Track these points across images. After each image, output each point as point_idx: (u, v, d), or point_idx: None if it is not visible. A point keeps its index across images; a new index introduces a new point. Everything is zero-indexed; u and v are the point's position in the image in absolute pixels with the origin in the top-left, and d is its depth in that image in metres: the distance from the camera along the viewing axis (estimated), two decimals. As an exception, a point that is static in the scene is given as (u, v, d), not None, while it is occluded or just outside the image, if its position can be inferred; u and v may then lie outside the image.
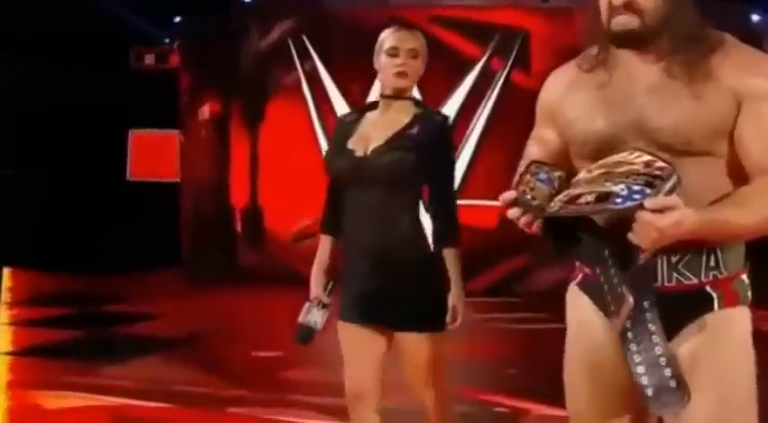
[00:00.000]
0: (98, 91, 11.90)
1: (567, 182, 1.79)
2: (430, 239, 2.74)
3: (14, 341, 6.74)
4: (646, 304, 1.81)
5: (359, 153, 2.76)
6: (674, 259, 1.84)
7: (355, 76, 9.57)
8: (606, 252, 1.83)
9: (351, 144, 2.79)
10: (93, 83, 11.84)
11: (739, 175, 1.84)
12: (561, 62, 2.15)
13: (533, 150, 2.09)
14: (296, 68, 10.02)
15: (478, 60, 9.42)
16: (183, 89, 11.43)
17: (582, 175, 1.78)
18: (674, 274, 1.86)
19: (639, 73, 1.89)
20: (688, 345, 1.86)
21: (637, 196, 1.64)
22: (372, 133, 2.79)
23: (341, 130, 2.89)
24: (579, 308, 2.01)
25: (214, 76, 10.77)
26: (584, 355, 2.00)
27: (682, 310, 1.86)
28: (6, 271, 9.98)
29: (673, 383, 1.78)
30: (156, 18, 11.81)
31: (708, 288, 1.85)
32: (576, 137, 1.96)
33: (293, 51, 10.01)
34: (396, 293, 2.72)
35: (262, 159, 10.31)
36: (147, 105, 11.89)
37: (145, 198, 12.15)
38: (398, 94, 2.81)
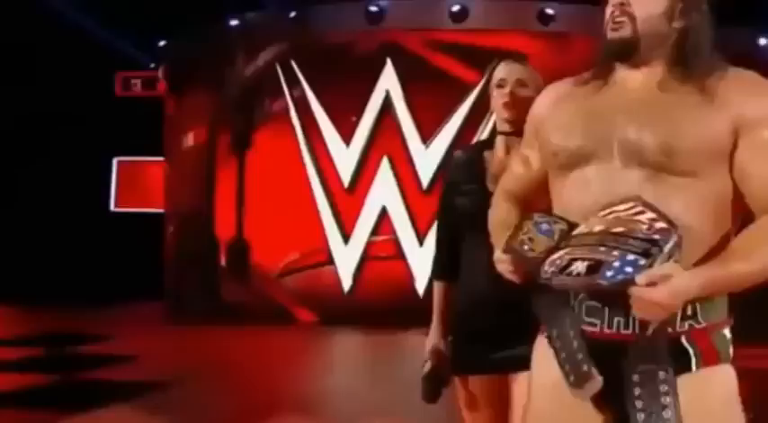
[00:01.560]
0: (84, 118, 11.61)
1: (568, 233, 1.72)
2: None
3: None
4: (662, 375, 1.69)
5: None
6: None
7: (345, 103, 9.21)
8: (568, 321, 1.78)
9: (489, 184, 2.61)
10: (79, 109, 11.55)
11: (722, 199, 1.74)
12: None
13: (515, 171, 2.07)
14: (284, 94, 9.62)
15: (476, 85, 9.11)
16: (167, 115, 11.00)
17: (581, 228, 1.70)
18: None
19: (633, 87, 1.82)
20: None
21: (628, 269, 1.57)
22: (500, 174, 2.51)
23: (464, 167, 2.77)
24: (547, 361, 1.85)
25: (199, 102, 10.39)
26: (553, 409, 1.86)
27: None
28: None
29: None
30: (142, 42, 11.46)
31: (683, 340, 1.73)
32: (549, 146, 1.89)
33: (281, 77, 9.61)
34: (518, 335, 2.47)
35: (248, 189, 9.95)
36: (133, 132, 11.58)
37: (129, 228, 11.80)
38: (512, 130, 2.65)
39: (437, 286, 2.78)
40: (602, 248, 1.61)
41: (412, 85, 9.29)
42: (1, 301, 10.34)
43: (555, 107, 1.93)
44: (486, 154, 2.74)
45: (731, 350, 1.77)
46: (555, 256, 1.68)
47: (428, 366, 2.67)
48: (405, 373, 6.91)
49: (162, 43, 11.00)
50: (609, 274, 1.57)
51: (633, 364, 1.71)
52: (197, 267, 10.20)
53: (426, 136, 9.26)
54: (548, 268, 1.67)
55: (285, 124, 9.60)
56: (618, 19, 1.80)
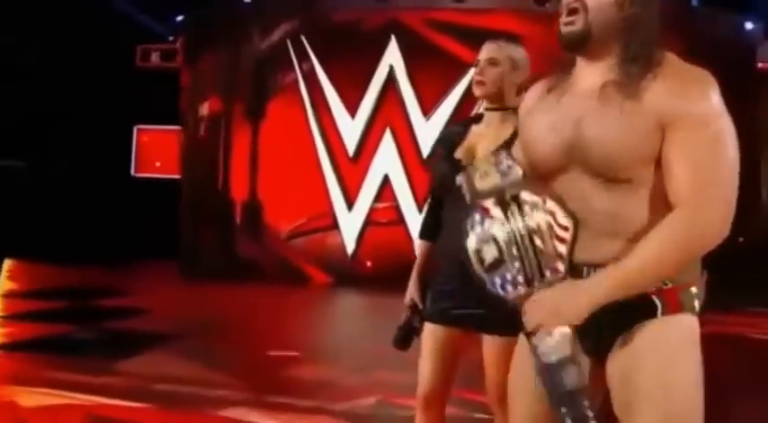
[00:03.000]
0: (104, 88, 11.80)
1: (522, 183, 1.74)
2: None
3: (2, 334, 6.46)
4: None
5: (466, 163, 2.71)
6: None
7: (351, 77, 9.41)
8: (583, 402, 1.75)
9: (458, 154, 2.79)
10: (100, 80, 11.74)
11: (664, 202, 1.73)
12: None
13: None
14: (294, 68, 9.81)
15: (470, 66, 9.14)
16: (183, 86, 11.24)
17: (527, 196, 1.74)
18: None
19: (584, 93, 1.80)
20: (630, 346, 1.81)
21: (509, 288, 1.69)
22: (478, 145, 2.79)
23: (446, 140, 2.90)
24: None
25: (214, 74, 10.55)
26: (525, 350, 1.90)
27: (628, 317, 1.80)
28: (6, 262, 9.81)
29: None
30: (162, 16, 11.66)
31: (653, 297, 1.79)
32: (530, 158, 1.90)
33: (291, 52, 9.80)
34: (484, 298, 2.60)
35: (261, 156, 10.12)
36: (151, 102, 11.79)
37: (148, 193, 12.06)
38: (492, 106, 2.82)
39: (419, 245, 2.95)
40: (515, 250, 1.70)
41: (414, 61, 9.39)
42: (31, 257, 10.59)
43: (530, 114, 1.94)
44: (474, 127, 2.86)
45: (696, 304, 1.83)
46: (488, 219, 1.73)
47: (403, 317, 2.85)
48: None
49: (180, 18, 11.24)
50: (496, 281, 1.71)
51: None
52: (213, 226, 10.43)
53: (427, 109, 9.40)
54: (475, 227, 1.74)
55: (295, 96, 9.77)
56: (572, 5, 1.79)
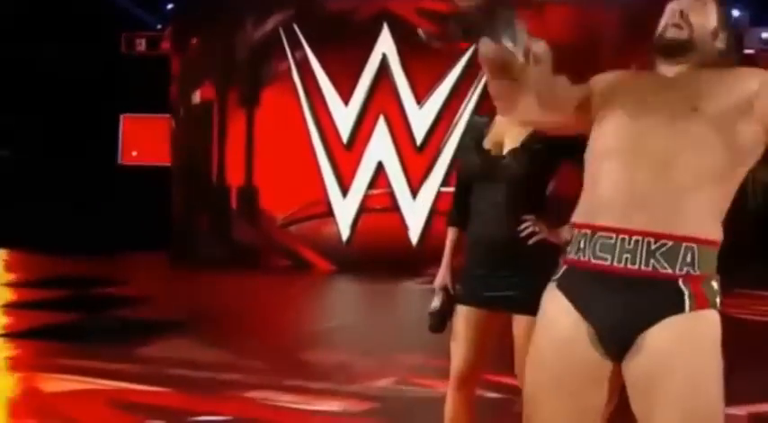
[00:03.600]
0: (89, 75, 11.75)
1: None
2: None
3: (10, 323, 6.51)
4: None
5: (495, 153, 2.88)
6: (653, 246, 1.85)
7: (345, 65, 9.46)
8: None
9: (486, 144, 2.90)
10: (85, 67, 11.69)
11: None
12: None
13: (573, 84, 2.08)
14: (287, 57, 9.85)
15: (464, 52, 9.29)
16: (174, 74, 11.24)
17: None
18: (651, 261, 1.86)
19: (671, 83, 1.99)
20: (657, 346, 1.85)
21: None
22: (506, 135, 2.89)
23: (473, 131, 2.99)
24: (552, 305, 2.01)
25: (206, 62, 10.56)
26: (550, 349, 1.99)
27: (656, 300, 1.85)
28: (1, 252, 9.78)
29: None
30: (148, 5, 11.62)
31: (680, 283, 1.85)
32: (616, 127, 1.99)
33: (284, 40, 9.85)
34: (516, 281, 2.80)
35: (256, 144, 10.15)
36: (137, 90, 11.74)
37: (136, 181, 12.03)
38: None
39: (449, 232, 3.03)
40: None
41: (407, 49, 9.46)
42: (17, 247, 10.54)
43: (614, 87, 2.07)
44: (498, 117, 2.91)
45: (718, 300, 1.90)
46: None
47: (435, 302, 2.91)
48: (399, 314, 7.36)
49: (170, 6, 11.22)
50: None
51: None
52: (208, 214, 10.48)
53: (420, 97, 9.47)
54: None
55: (288, 84, 9.82)
56: (678, 22, 2.00)
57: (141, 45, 12.68)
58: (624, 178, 1.90)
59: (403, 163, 9.53)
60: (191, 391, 4.59)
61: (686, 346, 1.84)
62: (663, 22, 2.04)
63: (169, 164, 11.65)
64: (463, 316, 2.88)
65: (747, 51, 9.79)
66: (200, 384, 4.70)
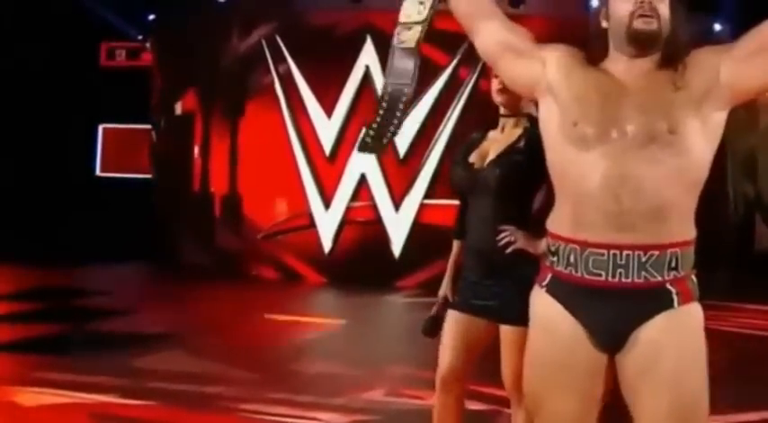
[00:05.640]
0: (68, 86, 11.70)
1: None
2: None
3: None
4: None
5: (477, 166, 2.97)
6: (643, 259, 1.96)
7: (328, 78, 9.48)
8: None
9: (472, 158, 2.99)
10: (64, 77, 11.65)
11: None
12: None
13: (512, 34, 2.23)
14: (270, 70, 9.86)
15: (445, 67, 9.37)
16: (155, 85, 11.22)
17: None
18: (643, 272, 1.97)
19: (633, 75, 2.02)
20: (649, 339, 1.97)
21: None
22: (491, 148, 2.98)
23: (467, 146, 3.07)
24: (544, 307, 2.10)
25: (189, 74, 10.57)
26: (548, 347, 2.09)
27: (648, 304, 1.98)
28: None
29: None
30: (129, 16, 11.60)
31: (668, 285, 1.98)
32: (569, 114, 2.03)
33: (267, 53, 9.86)
34: (498, 290, 2.89)
35: (240, 156, 10.16)
36: (116, 101, 11.71)
37: (113, 192, 11.99)
38: (507, 112, 2.99)
39: (455, 244, 3.13)
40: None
41: None
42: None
43: (571, 73, 2.07)
44: (491, 133, 3.03)
45: (697, 290, 2.05)
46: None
47: (434, 309, 3.08)
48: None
49: (151, 17, 11.20)
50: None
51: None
52: (191, 225, 10.47)
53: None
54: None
55: (271, 97, 9.81)
56: (647, 13, 1.98)
57: (121, 56, 12.67)
58: (611, 198, 1.95)
59: (386, 175, 9.52)
60: (175, 404, 4.55)
61: (675, 336, 1.98)
62: (622, 7, 2.01)
63: (148, 175, 11.63)
64: (453, 320, 2.99)
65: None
66: (184, 397, 4.66)
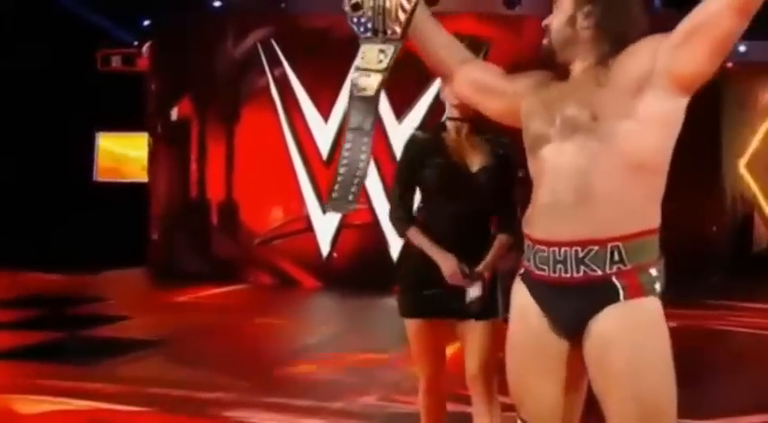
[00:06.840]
0: (64, 92, 11.71)
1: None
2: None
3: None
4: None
5: (472, 169, 3.06)
6: (581, 254, 1.98)
7: (324, 82, 9.48)
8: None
9: (439, 158, 3.06)
10: (60, 83, 11.65)
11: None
12: (522, 69, 2.28)
13: (487, 71, 2.29)
14: (265, 74, 9.87)
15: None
16: (150, 91, 11.23)
17: None
18: (582, 267, 1.99)
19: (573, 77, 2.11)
20: (599, 332, 1.99)
21: (362, 29, 2.05)
22: (470, 153, 3.08)
23: (417, 146, 3.16)
24: (519, 296, 2.16)
25: (185, 79, 10.56)
26: (524, 335, 2.15)
27: (594, 298, 1.99)
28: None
29: None
30: (124, 21, 11.62)
31: (613, 279, 1.97)
32: (528, 131, 2.13)
33: (263, 57, 9.87)
34: (458, 289, 3.01)
35: (236, 160, 10.13)
36: (112, 107, 11.72)
37: (111, 198, 11.99)
38: (461, 116, 3.10)
39: (412, 234, 3.10)
40: (371, 2, 2.06)
41: None
42: None
43: (538, 91, 2.16)
44: (443, 135, 3.12)
45: (658, 286, 2.01)
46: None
47: (475, 288, 3.02)
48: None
49: (147, 22, 11.21)
50: (355, 20, 2.05)
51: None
52: (188, 230, 10.41)
53: (399, 113, 9.43)
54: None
55: (267, 101, 9.78)
56: (544, 26, 2.13)
57: (117, 62, 12.67)
58: (548, 193, 2.03)
59: (383, 178, 9.46)
60: (171, 410, 4.56)
61: (624, 331, 1.97)
62: None
63: (145, 181, 11.63)
64: (416, 331, 3.16)
65: (725, 65, 9.93)
66: (180, 403, 4.67)
